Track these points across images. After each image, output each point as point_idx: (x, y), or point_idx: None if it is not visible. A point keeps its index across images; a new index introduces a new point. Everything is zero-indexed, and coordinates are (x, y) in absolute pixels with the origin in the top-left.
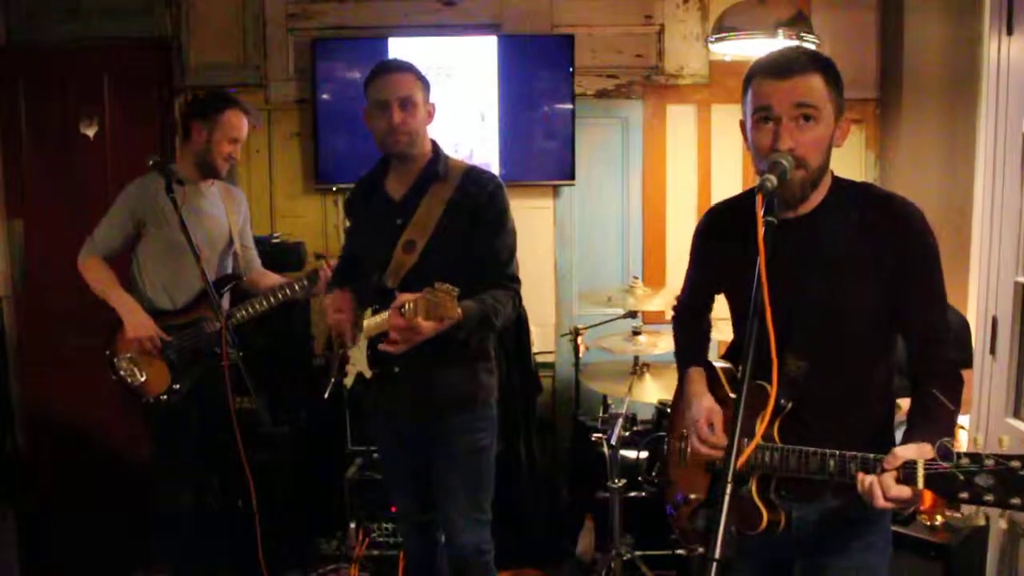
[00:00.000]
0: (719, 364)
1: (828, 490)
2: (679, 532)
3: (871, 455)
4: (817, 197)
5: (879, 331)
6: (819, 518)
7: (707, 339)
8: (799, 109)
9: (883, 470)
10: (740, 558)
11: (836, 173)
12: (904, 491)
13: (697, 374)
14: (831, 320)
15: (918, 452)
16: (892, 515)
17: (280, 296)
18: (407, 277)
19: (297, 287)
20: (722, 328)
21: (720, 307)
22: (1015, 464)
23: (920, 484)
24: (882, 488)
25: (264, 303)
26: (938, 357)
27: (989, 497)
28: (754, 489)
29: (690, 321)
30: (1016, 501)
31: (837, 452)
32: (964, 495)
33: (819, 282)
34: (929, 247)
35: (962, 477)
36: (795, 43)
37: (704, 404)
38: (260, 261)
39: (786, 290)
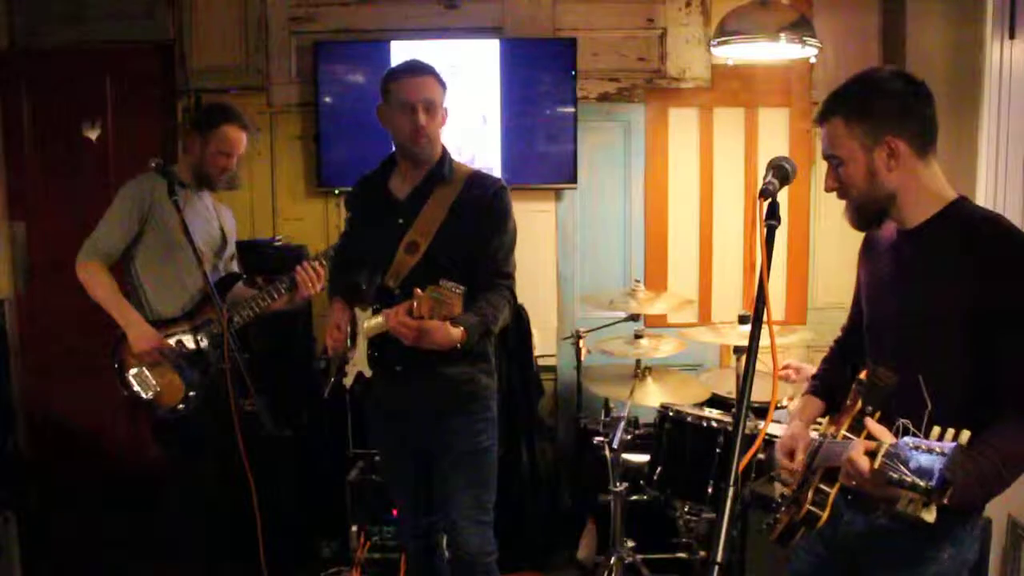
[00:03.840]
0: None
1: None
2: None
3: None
4: (921, 214)
5: (970, 352)
6: (867, 530)
7: (838, 375)
8: (829, 161)
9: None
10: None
11: None
12: (863, 460)
13: (804, 401)
14: (919, 335)
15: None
16: (950, 545)
17: (274, 294)
18: (408, 278)
19: (282, 287)
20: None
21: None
22: (940, 450)
23: (877, 463)
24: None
25: (262, 302)
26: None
27: (909, 480)
28: (815, 480)
29: (834, 357)
30: (921, 484)
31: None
32: (894, 475)
33: (913, 296)
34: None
35: (900, 459)
36: None
37: (791, 431)
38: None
39: (882, 300)
